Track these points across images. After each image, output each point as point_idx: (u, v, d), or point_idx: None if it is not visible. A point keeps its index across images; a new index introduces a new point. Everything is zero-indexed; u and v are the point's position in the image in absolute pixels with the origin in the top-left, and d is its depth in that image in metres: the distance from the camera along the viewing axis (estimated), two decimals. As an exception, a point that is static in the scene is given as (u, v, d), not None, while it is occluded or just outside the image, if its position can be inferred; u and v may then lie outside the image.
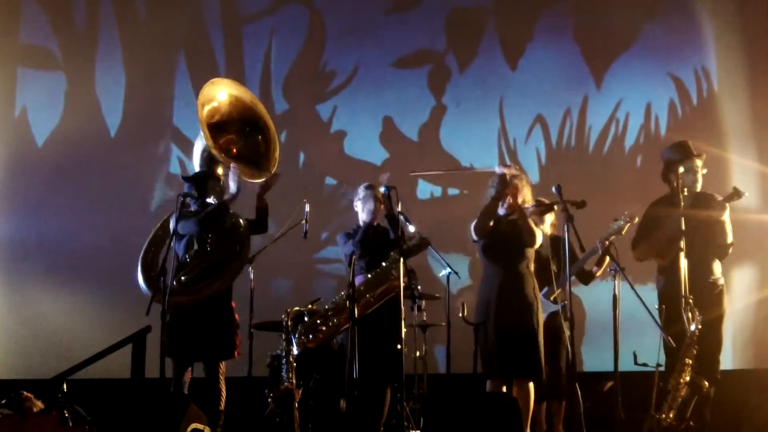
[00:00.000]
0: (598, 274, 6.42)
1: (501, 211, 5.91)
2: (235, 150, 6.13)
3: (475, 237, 5.93)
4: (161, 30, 8.32)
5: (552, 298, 6.18)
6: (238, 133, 6.18)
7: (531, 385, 5.80)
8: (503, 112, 8.38)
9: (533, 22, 8.50)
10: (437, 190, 8.32)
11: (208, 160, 6.07)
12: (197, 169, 6.17)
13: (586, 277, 6.47)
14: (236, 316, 6.00)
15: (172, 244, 5.76)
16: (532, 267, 5.93)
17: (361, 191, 6.36)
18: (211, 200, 5.93)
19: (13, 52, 8.25)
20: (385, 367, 5.89)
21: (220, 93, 6.10)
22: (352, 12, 8.44)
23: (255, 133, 6.20)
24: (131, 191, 8.10)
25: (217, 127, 6.07)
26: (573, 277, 6.32)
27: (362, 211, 6.32)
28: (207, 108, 6.01)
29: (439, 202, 8.32)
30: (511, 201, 5.86)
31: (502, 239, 5.88)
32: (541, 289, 6.03)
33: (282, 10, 8.45)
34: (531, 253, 5.92)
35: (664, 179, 6.27)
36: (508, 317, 5.77)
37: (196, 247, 5.90)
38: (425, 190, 8.30)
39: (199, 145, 6.18)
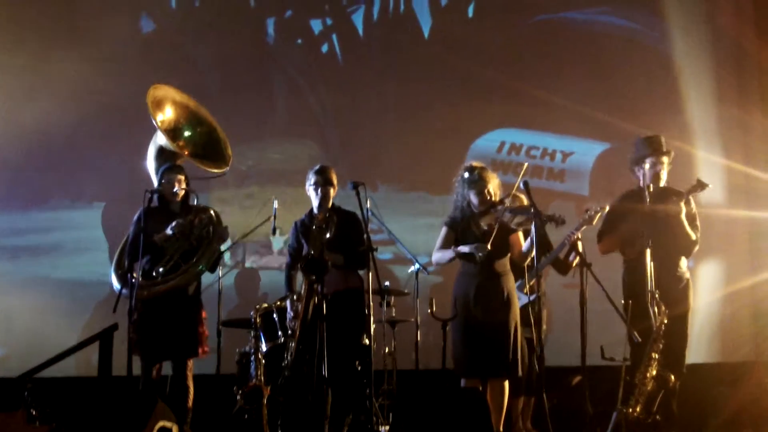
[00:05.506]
0: (575, 264, 6.27)
1: (480, 207, 5.84)
2: (187, 152, 6.20)
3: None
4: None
5: (525, 291, 6.14)
6: (187, 138, 6.33)
7: (506, 383, 5.76)
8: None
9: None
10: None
11: (166, 156, 6.13)
12: (153, 171, 6.16)
13: (563, 268, 6.45)
14: (203, 313, 5.97)
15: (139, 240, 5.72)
16: (508, 265, 5.89)
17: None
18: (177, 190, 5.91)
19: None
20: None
21: (166, 100, 6.26)
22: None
23: (203, 135, 6.36)
24: (99, 187, 8.02)
25: (168, 133, 6.16)
26: (547, 269, 6.35)
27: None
28: (157, 113, 6.16)
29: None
30: (488, 194, 5.79)
31: (479, 239, 5.78)
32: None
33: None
34: (509, 251, 5.89)
35: (631, 171, 6.30)
36: (484, 316, 5.72)
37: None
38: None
39: (152, 148, 6.24)
